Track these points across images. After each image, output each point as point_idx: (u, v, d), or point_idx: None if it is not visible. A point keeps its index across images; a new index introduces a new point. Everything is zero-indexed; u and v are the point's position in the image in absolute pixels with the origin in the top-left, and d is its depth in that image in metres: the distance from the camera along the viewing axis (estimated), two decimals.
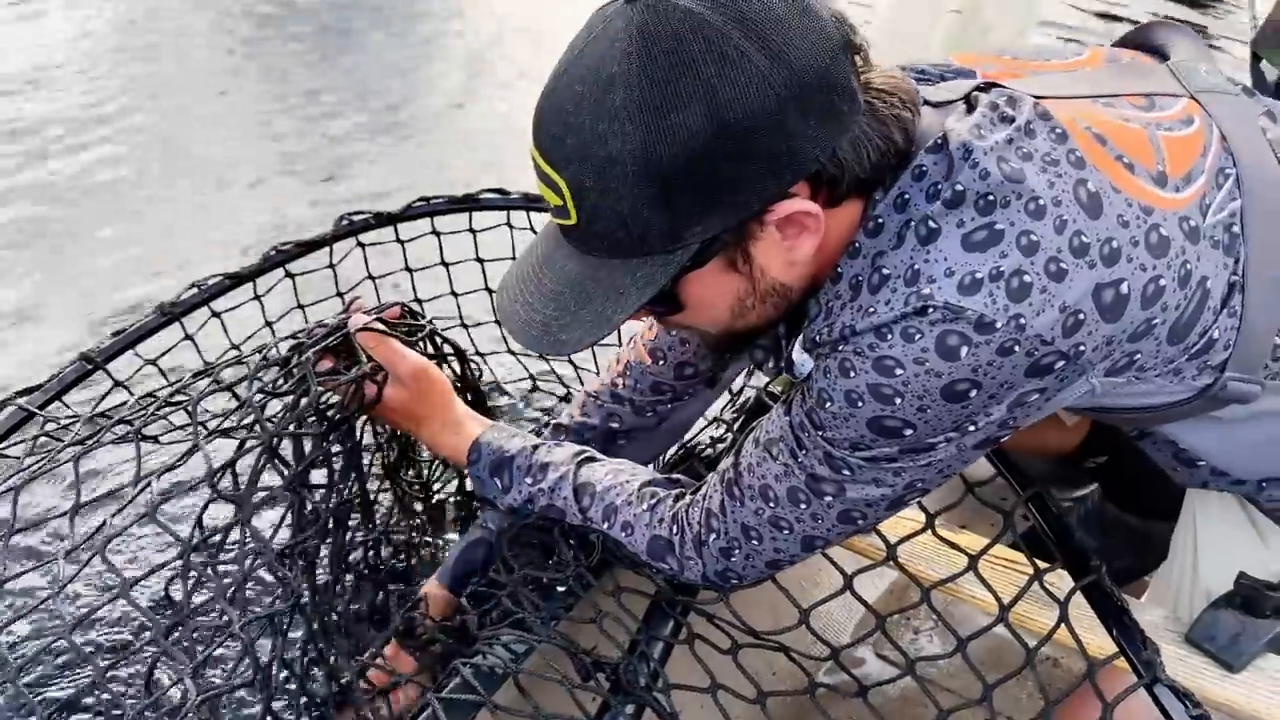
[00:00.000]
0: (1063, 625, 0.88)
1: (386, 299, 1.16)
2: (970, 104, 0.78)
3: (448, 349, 1.24)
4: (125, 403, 1.17)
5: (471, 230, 1.68)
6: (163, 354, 1.43)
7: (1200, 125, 0.83)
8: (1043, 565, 0.96)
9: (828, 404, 0.77)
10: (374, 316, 1.06)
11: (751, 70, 0.67)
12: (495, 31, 4.64)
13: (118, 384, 1.39)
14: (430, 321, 1.19)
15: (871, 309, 0.74)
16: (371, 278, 1.66)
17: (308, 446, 0.95)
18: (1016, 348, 0.71)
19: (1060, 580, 0.94)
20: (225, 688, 0.84)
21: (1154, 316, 0.74)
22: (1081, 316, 0.71)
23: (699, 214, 0.71)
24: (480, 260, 1.74)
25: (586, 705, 0.92)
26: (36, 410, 1.19)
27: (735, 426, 1.13)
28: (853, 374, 0.75)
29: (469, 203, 1.65)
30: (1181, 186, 0.78)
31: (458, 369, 1.26)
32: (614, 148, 0.69)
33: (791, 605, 1.03)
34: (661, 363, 1.15)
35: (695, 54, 0.67)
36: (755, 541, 0.89)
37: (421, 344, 1.13)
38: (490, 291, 1.73)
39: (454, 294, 1.76)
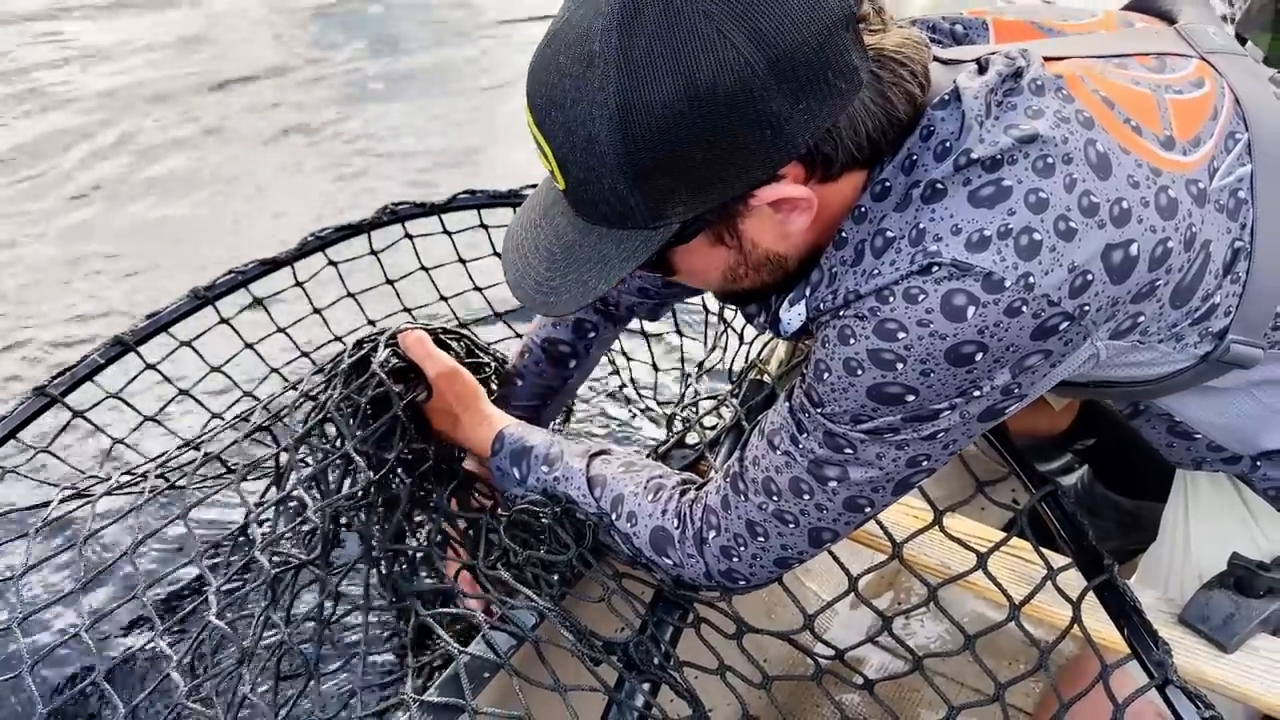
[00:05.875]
0: (1075, 625, 0.88)
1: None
2: (982, 67, 0.76)
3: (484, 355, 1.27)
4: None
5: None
6: (197, 336, 1.46)
7: (1211, 88, 0.82)
8: (1054, 562, 0.94)
9: (825, 375, 0.76)
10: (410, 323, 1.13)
11: (732, 54, 0.64)
12: None
13: (149, 366, 1.41)
14: (467, 326, 1.25)
15: (876, 271, 0.73)
16: (424, 269, 1.70)
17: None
18: (1024, 308, 0.70)
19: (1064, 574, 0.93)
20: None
21: (1158, 279, 0.74)
22: (1090, 277, 0.70)
23: (679, 197, 0.70)
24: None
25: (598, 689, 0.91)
26: (57, 396, 1.28)
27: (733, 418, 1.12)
28: (852, 340, 0.74)
29: (513, 198, 1.66)
30: (1189, 150, 0.77)
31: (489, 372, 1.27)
32: (592, 130, 0.67)
33: (785, 596, 1.02)
34: None
35: (674, 36, 0.64)
36: (761, 539, 0.87)
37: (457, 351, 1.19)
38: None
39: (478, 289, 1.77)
